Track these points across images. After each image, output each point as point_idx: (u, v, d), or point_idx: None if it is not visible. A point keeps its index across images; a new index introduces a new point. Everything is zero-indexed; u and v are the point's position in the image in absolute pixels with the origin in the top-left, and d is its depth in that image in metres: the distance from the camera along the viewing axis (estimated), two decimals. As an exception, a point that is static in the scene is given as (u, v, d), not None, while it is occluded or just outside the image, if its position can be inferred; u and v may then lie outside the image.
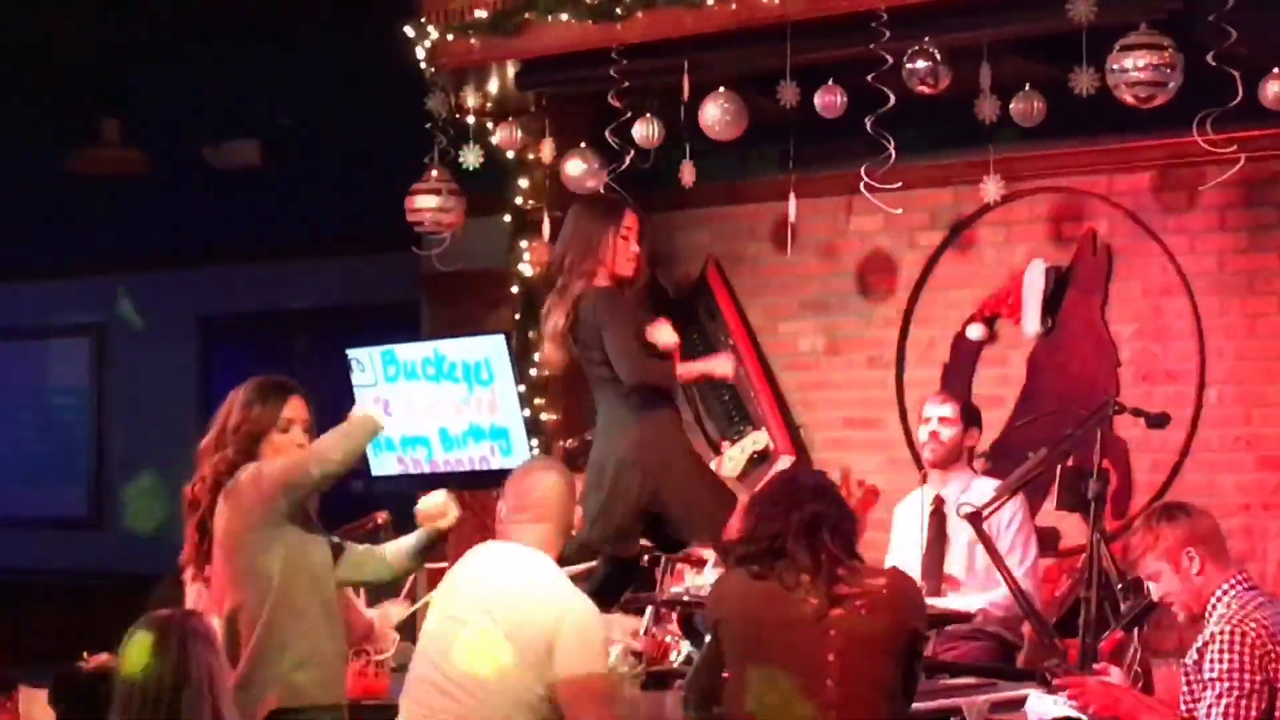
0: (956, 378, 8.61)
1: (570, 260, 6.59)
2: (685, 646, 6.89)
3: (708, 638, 5.19)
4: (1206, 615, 5.22)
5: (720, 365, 6.96)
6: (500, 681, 5.09)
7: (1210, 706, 5.04)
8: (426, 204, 8.36)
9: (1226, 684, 5.04)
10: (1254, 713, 5.02)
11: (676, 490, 6.49)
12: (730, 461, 8.31)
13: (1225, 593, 5.21)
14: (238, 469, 5.71)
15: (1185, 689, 5.18)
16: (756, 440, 8.87)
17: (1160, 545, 5.30)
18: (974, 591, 7.21)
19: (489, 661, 5.09)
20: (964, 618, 6.98)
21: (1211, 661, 5.08)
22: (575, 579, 5.70)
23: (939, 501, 7.40)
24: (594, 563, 6.64)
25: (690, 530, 6.55)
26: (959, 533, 7.16)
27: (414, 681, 5.28)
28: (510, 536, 5.38)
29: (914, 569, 7.41)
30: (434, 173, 8.37)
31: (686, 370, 6.78)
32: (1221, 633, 5.10)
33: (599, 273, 6.58)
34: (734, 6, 7.48)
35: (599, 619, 5.33)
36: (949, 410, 7.44)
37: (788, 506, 5.00)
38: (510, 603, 5.18)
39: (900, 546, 7.52)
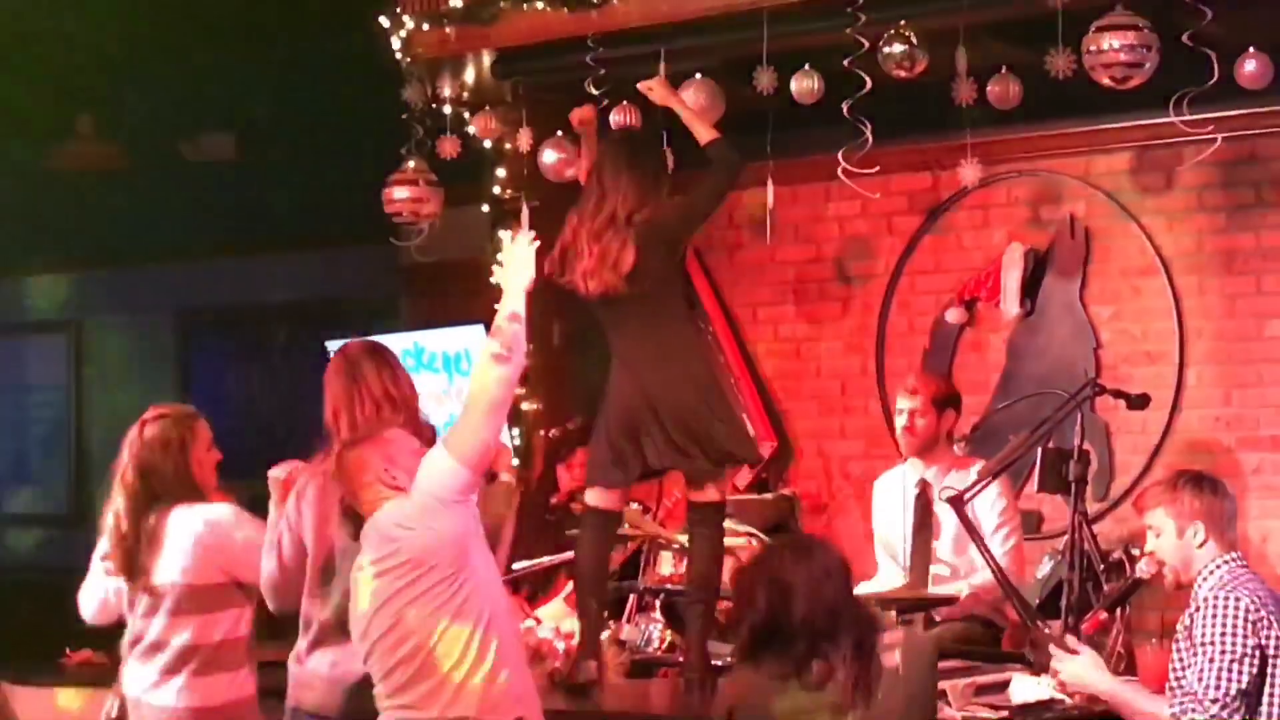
0: (936, 362, 8.62)
1: (624, 199, 6.43)
2: (668, 635, 6.89)
3: None
4: (1196, 586, 5.23)
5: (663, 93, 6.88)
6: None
7: (1202, 670, 5.06)
8: (404, 195, 8.34)
9: (1218, 647, 5.05)
10: (1245, 676, 5.03)
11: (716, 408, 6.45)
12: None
13: (1219, 566, 5.23)
14: None
15: (1176, 656, 5.19)
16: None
17: (1175, 507, 5.31)
18: (963, 575, 7.21)
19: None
20: (948, 602, 6.99)
21: (1203, 627, 5.09)
22: None
23: (923, 485, 7.40)
24: None
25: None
26: (946, 517, 7.16)
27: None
28: None
29: (897, 548, 7.42)
30: (411, 164, 8.34)
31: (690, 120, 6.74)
32: (1214, 598, 5.12)
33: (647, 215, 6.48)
34: (709, -8, 7.48)
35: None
36: (918, 402, 7.44)
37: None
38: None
39: (883, 525, 7.54)
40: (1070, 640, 5.62)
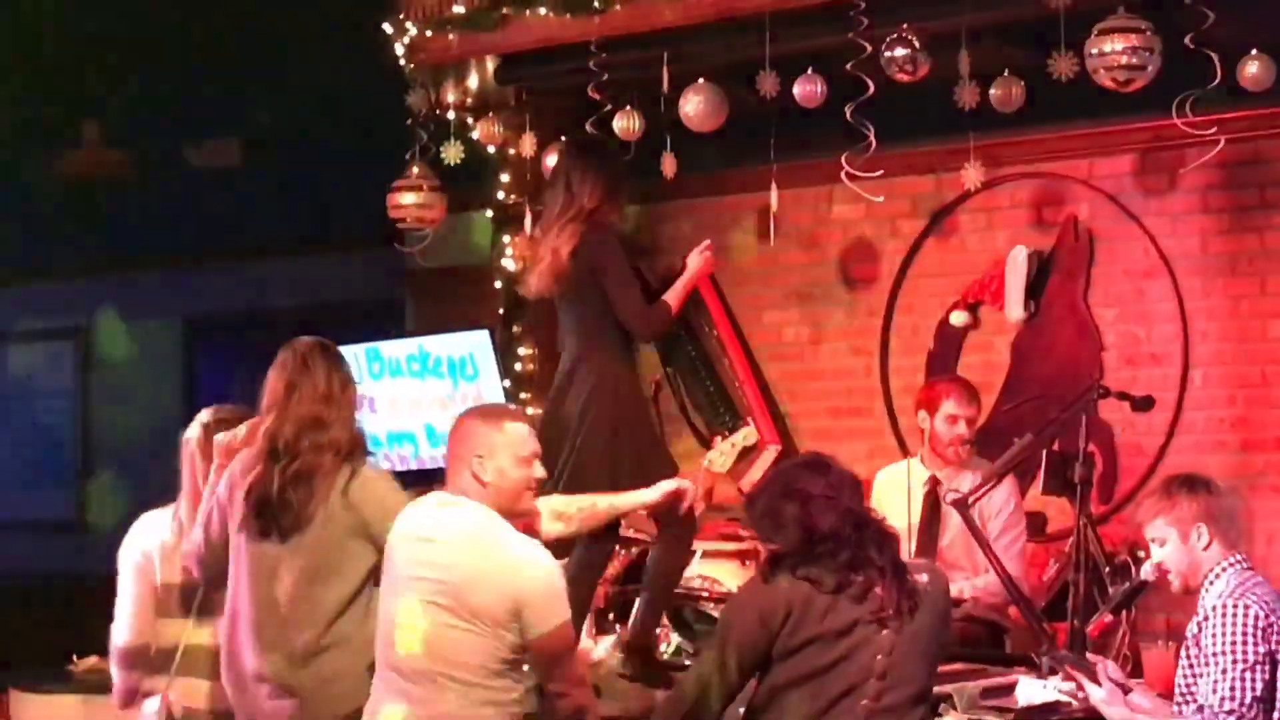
0: (941, 365, 8.62)
1: (590, 194, 6.54)
2: (674, 638, 6.90)
3: (726, 647, 5.04)
4: (1203, 590, 5.22)
5: (697, 263, 6.88)
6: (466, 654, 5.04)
7: (1215, 681, 5.05)
8: (408, 200, 8.35)
9: (1230, 657, 5.04)
10: (1259, 684, 5.02)
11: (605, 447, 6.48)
12: (720, 456, 8.29)
13: (1224, 570, 5.22)
14: None
15: (1185, 662, 5.18)
16: (747, 436, 8.85)
17: (1174, 513, 5.30)
18: (965, 571, 7.21)
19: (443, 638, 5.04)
20: (954, 603, 6.99)
21: (1213, 636, 5.08)
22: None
23: (934, 482, 7.39)
24: None
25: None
26: (951, 517, 7.14)
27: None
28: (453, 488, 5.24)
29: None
30: (415, 169, 8.36)
31: (677, 294, 6.78)
32: (1222, 607, 5.10)
33: (604, 215, 6.59)
34: (711, -3, 7.49)
35: (557, 568, 5.20)
36: (975, 410, 7.42)
37: (860, 504, 5.02)
38: (465, 568, 5.06)
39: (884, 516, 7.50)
40: (1094, 665, 5.58)
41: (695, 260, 6.88)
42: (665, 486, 6.03)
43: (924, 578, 5.02)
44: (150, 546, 5.80)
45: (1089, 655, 5.64)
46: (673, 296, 6.73)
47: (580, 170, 6.58)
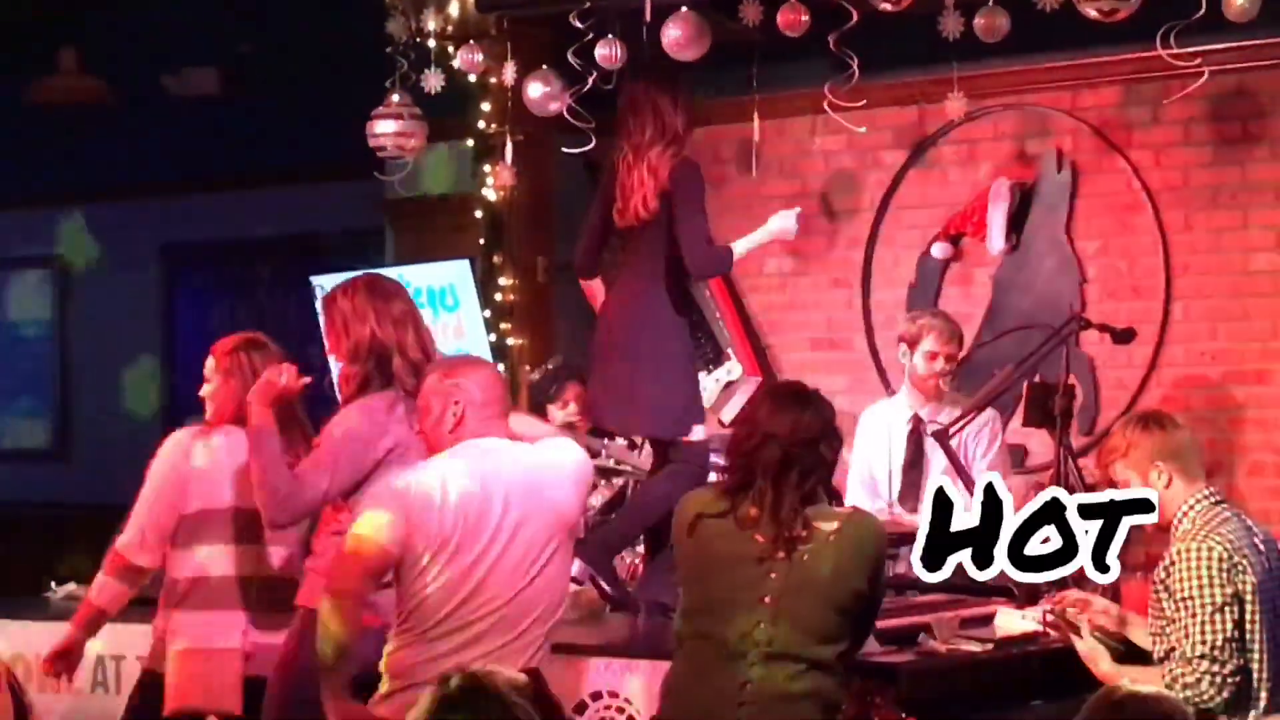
0: (922, 297, 8.61)
1: (681, 119, 6.58)
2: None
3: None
4: (1173, 528, 5.23)
5: (784, 227, 6.97)
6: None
7: (1186, 626, 5.05)
8: (387, 129, 8.30)
9: (1198, 600, 5.04)
10: (1229, 625, 5.03)
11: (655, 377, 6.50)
12: (704, 391, 8.31)
13: (1191, 507, 5.21)
14: None
15: (1154, 603, 5.19)
16: (731, 370, 8.87)
17: (1131, 454, 5.29)
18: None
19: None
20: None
21: (1180, 580, 5.08)
22: None
23: (916, 420, 7.39)
24: None
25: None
26: (935, 452, 7.14)
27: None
28: (496, 432, 5.15)
29: (881, 481, 7.41)
30: (395, 97, 8.30)
31: (750, 245, 6.78)
32: (1186, 550, 5.09)
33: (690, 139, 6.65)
34: (696, -76, 7.43)
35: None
36: (956, 346, 7.42)
37: (764, 438, 4.84)
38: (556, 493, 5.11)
39: (867, 457, 7.50)
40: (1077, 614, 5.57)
41: (779, 222, 6.87)
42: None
43: (833, 524, 4.89)
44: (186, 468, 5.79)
45: (1063, 596, 5.63)
46: (740, 246, 6.75)
47: (670, 95, 6.59)
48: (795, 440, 4.83)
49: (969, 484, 6.72)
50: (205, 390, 5.88)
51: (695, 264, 6.54)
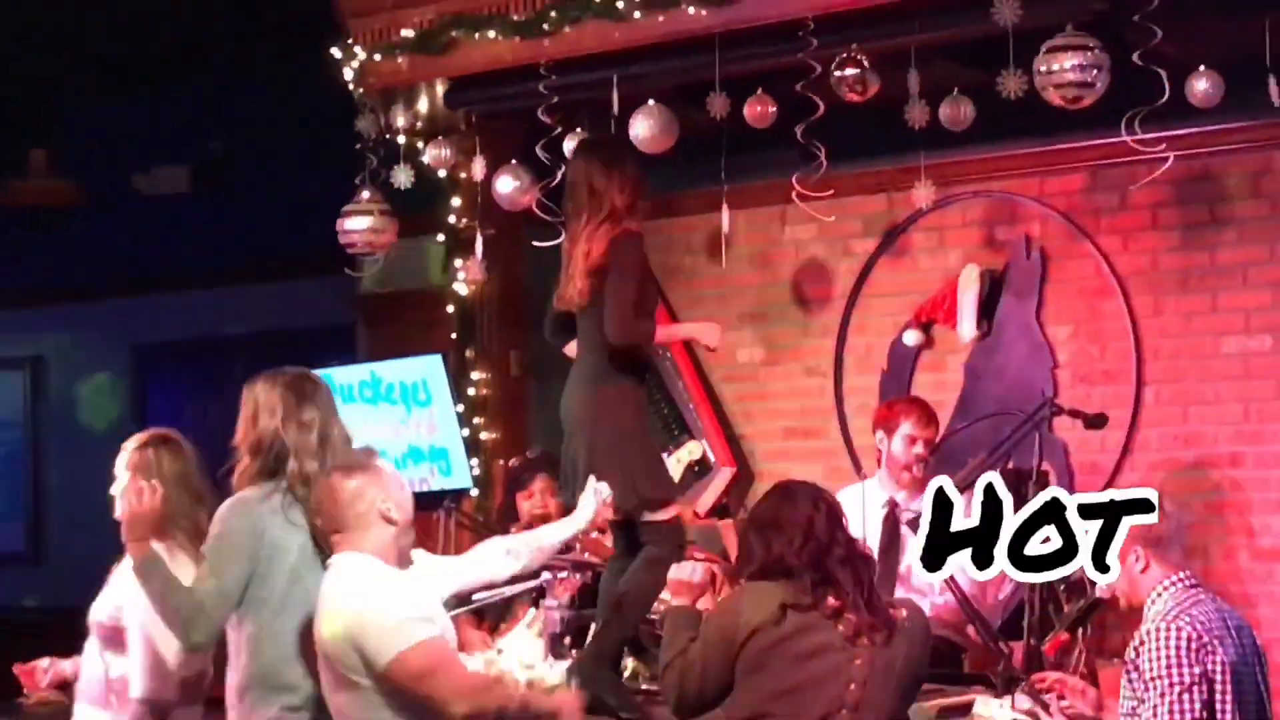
0: (894, 384, 8.61)
1: (619, 193, 6.35)
2: (630, 664, 6.85)
3: (709, 640, 5.06)
4: (1145, 609, 5.23)
5: (707, 333, 6.78)
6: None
7: (1155, 706, 5.06)
8: (358, 225, 8.31)
9: (1166, 680, 5.06)
10: (1196, 705, 5.03)
11: (610, 453, 6.31)
12: (672, 467, 8.32)
13: (1165, 589, 5.22)
14: None
15: (1126, 684, 5.19)
16: (692, 451, 8.88)
17: None
18: (927, 593, 7.19)
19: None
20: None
21: (1151, 661, 5.10)
22: None
23: (892, 505, 7.39)
24: None
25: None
26: (914, 537, 7.12)
27: None
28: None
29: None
30: (365, 194, 8.32)
31: (669, 333, 6.73)
32: (1155, 631, 5.11)
33: (634, 216, 6.42)
34: (661, 19, 7.46)
35: (383, 605, 5.04)
36: (932, 430, 7.42)
37: (831, 532, 5.00)
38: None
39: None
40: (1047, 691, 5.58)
41: (704, 330, 6.83)
42: (592, 502, 5.90)
43: (903, 612, 5.02)
44: None
45: (1044, 676, 5.63)
46: (663, 331, 6.70)
47: (604, 170, 6.38)
48: (848, 537, 5.05)
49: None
50: (114, 489, 5.83)
51: (611, 327, 6.23)
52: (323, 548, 5.26)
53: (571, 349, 6.58)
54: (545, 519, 7.26)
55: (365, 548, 5.06)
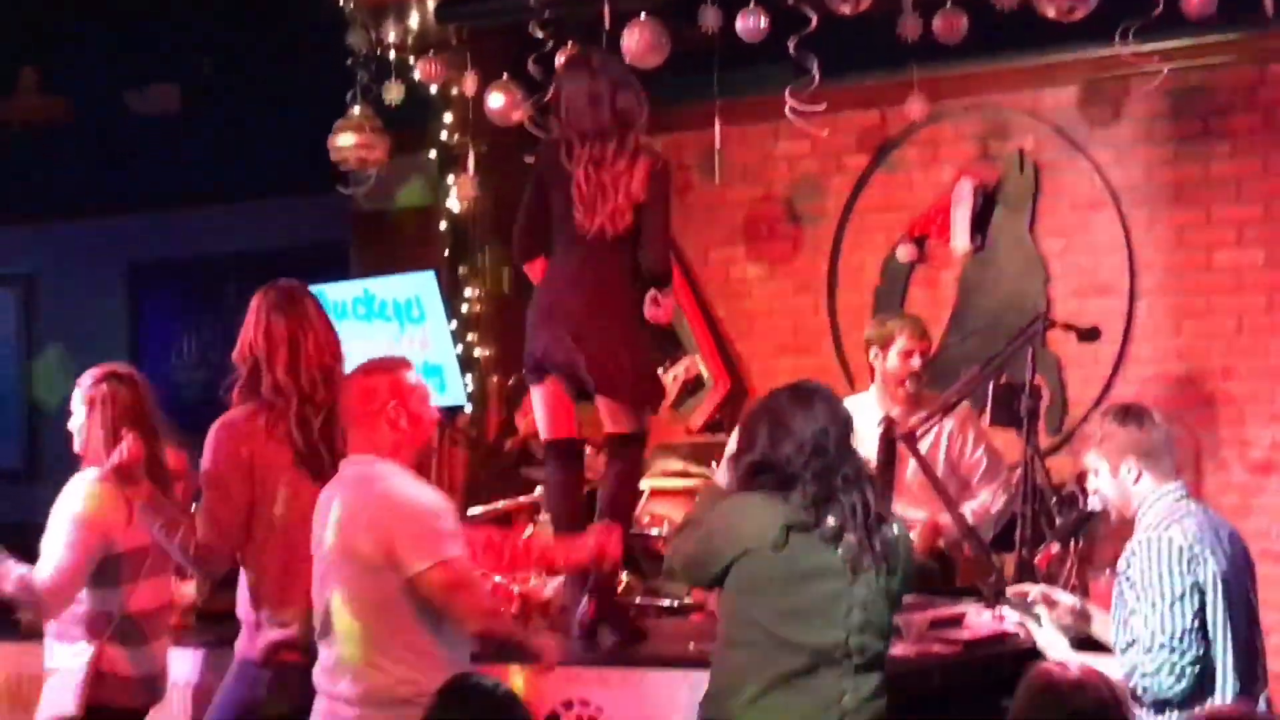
0: (888, 300, 8.62)
1: (640, 113, 6.27)
2: (624, 577, 6.88)
3: (703, 541, 5.00)
4: (1137, 520, 5.25)
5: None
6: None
7: (1146, 616, 5.07)
8: (349, 141, 8.30)
9: (1157, 591, 5.06)
10: (1188, 616, 5.05)
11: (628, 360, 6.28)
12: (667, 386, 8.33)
13: (1156, 501, 5.23)
14: None
15: (1117, 595, 5.21)
16: (688, 368, 8.88)
17: (1104, 445, 5.31)
18: (928, 504, 7.20)
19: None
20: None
21: (1141, 571, 5.11)
22: None
23: (889, 421, 7.37)
24: None
25: (606, 385, 6.28)
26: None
27: None
28: (347, 445, 5.16)
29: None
30: (356, 110, 8.30)
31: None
32: (1147, 541, 5.12)
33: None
34: (654, -69, 7.43)
35: (428, 506, 5.07)
36: (926, 345, 7.41)
37: (841, 452, 4.90)
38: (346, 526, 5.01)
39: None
40: (1036, 603, 5.59)
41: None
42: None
43: (894, 529, 4.98)
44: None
45: (1025, 589, 5.64)
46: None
47: (627, 89, 6.26)
48: (850, 449, 4.93)
49: (938, 485, 6.74)
50: (72, 424, 5.86)
51: (656, 259, 6.22)
52: (309, 460, 5.30)
53: (537, 266, 6.49)
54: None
55: (373, 449, 5.05)
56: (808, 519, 4.82)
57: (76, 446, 5.78)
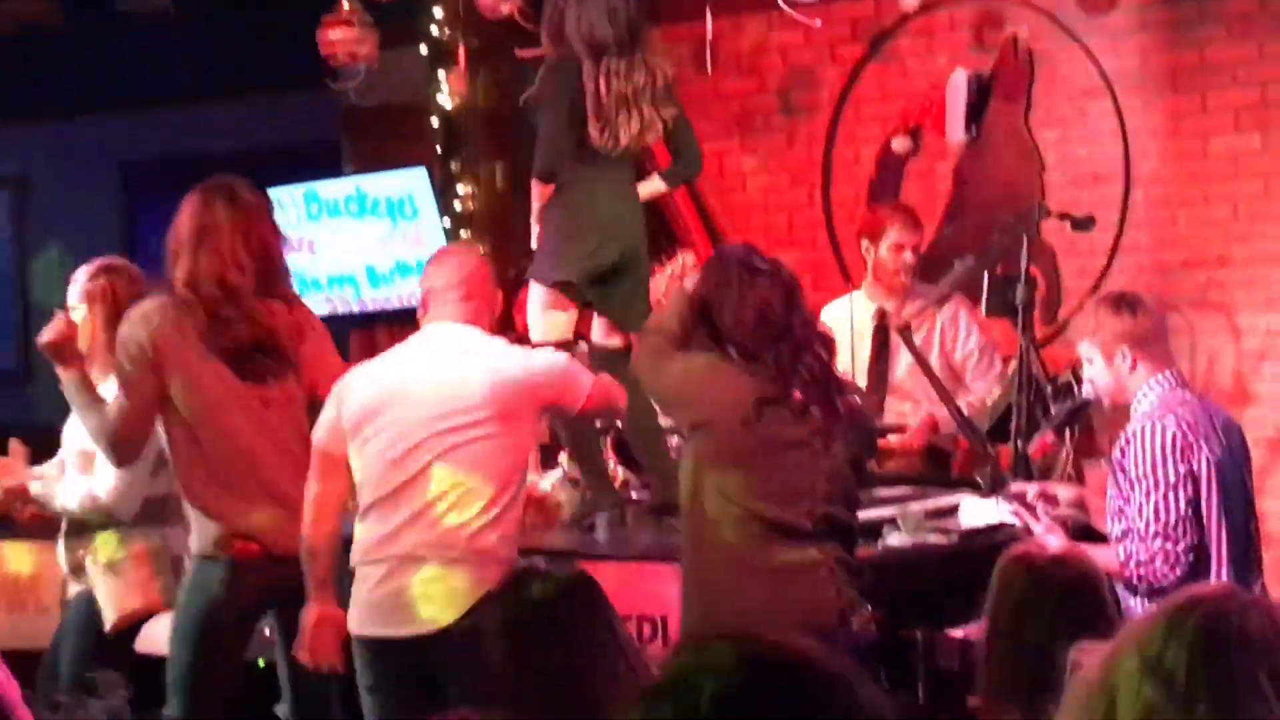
0: (883, 191, 8.58)
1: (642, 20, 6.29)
2: (621, 472, 6.89)
3: (667, 387, 5.08)
4: (1132, 409, 5.25)
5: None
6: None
7: (1140, 505, 5.09)
8: (339, 36, 8.26)
9: (1152, 479, 5.08)
10: (1182, 504, 5.06)
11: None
12: (661, 283, 8.29)
13: (1151, 389, 5.23)
14: None
15: (1112, 484, 5.22)
16: (685, 262, 8.84)
17: (1099, 334, 5.32)
18: (920, 399, 7.20)
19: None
20: (896, 430, 7.01)
21: (1135, 460, 5.12)
22: None
23: (881, 315, 7.37)
24: None
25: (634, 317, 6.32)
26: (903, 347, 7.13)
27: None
28: (447, 316, 5.20)
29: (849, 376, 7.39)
30: (345, 4, 8.24)
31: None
32: (1141, 430, 5.13)
33: None
34: None
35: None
36: (918, 237, 7.38)
37: (788, 314, 4.89)
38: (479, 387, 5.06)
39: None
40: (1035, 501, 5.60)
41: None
42: None
43: (854, 399, 5.01)
44: None
45: (1024, 489, 5.65)
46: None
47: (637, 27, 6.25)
48: (806, 321, 4.95)
49: (932, 378, 6.74)
50: (73, 318, 5.84)
51: (695, 164, 6.60)
52: (220, 352, 5.30)
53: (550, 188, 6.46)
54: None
55: (482, 323, 5.20)
56: (775, 392, 4.82)
57: (80, 344, 5.76)
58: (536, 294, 6.43)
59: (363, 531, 5.08)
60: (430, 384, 5.03)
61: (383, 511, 5.02)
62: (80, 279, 5.91)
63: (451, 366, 5.06)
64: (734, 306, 4.90)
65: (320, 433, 5.11)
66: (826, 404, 4.88)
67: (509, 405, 5.02)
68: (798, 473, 4.84)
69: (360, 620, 5.03)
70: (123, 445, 5.40)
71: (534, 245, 6.51)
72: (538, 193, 6.42)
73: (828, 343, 5.02)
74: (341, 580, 5.15)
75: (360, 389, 5.10)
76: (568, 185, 6.31)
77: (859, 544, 5.25)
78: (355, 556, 5.08)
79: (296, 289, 5.75)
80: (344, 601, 5.12)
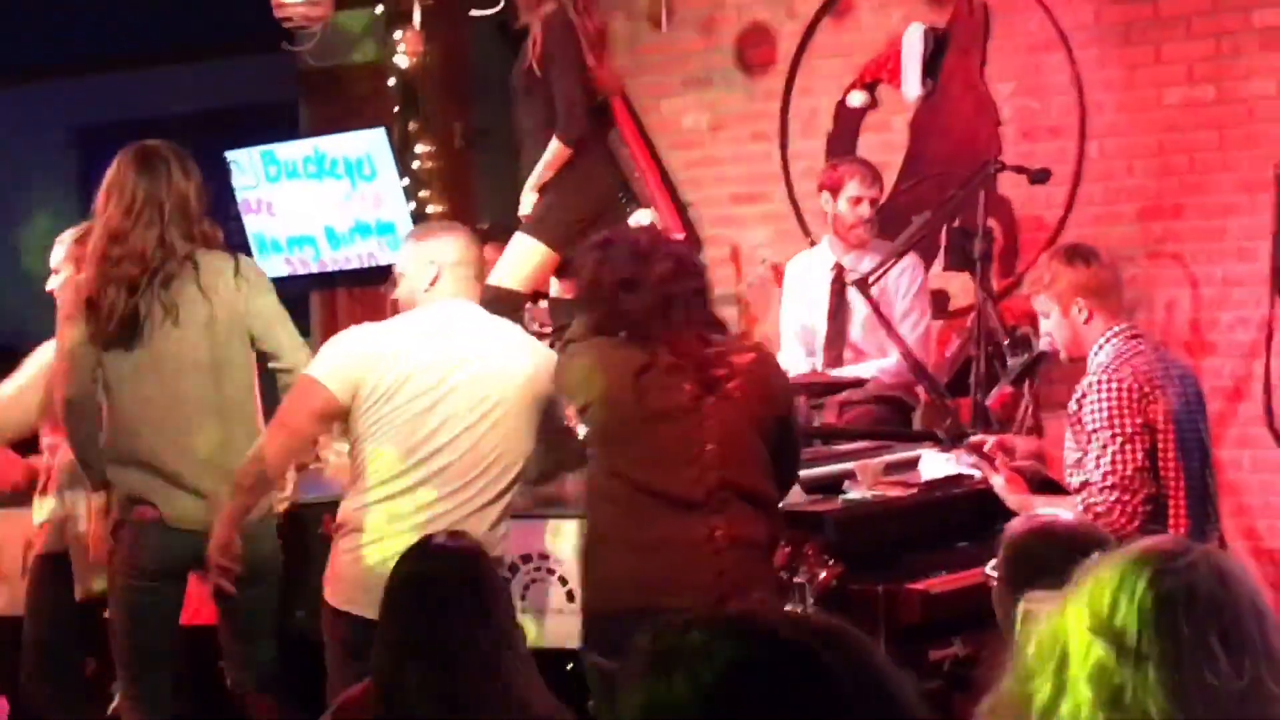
0: (840, 146, 8.59)
1: None
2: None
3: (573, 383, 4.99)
4: (1089, 361, 5.29)
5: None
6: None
7: (1097, 456, 5.13)
8: (293, -1, 8.22)
9: (1109, 431, 5.12)
10: (1139, 454, 5.10)
11: None
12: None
13: (1107, 341, 5.27)
14: None
15: (1069, 435, 5.26)
16: (642, 219, 8.84)
17: (1054, 287, 5.35)
18: (873, 356, 7.24)
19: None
20: (857, 384, 7.03)
21: (1092, 412, 5.16)
22: None
23: (839, 270, 7.40)
24: None
25: None
26: (860, 300, 7.15)
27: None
28: (464, 293, 5.28)
29: (818, 333, 7.41)
30: (299, -35, 8.22)
31: None
32: (1097, 382, 5.17)
33: None
34: None
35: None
36: (877, 191, 7.39)
37: (682, 286, 4.81)
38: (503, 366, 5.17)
39: (798, 310, 7.51)
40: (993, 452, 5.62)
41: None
42: None
43: (749, 355, 4.93)
44: None
45: (982, 440, 5.68)
46: None
47: None
48: (667, 276, 4.81)
49: (891, 332, 6.77)
50: (53, 282, 5.86)
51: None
52: (95, 321, 5.34)
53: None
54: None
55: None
56: (648, 359, 4.76)
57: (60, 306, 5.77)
58: (534, 251, 6.49)
59: (384, 504, 5.09)
60: (478, 364, 5.11)
61: (411, 487, 5.07)
62: (65, 241, 5.95)
63: (497, 349, 5.18)
64: (596, 291, 4.89)
65: (334, 382, 5.10)
66: (703, 362, 4.76)
67: (539, 392, 5.15)
68: (678, 439, 4.72)
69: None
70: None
71: (526, 210, 6.59)
72: (555, 156, 6.49)
73: (702, 292, 4.91)
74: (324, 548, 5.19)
75: (402, 353, 5.11)
76: (583, 149, 6.43)
77: (796, 505, 5.25)
78: (373, 524, 5.08)
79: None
80: (321, 567, 5.16)
